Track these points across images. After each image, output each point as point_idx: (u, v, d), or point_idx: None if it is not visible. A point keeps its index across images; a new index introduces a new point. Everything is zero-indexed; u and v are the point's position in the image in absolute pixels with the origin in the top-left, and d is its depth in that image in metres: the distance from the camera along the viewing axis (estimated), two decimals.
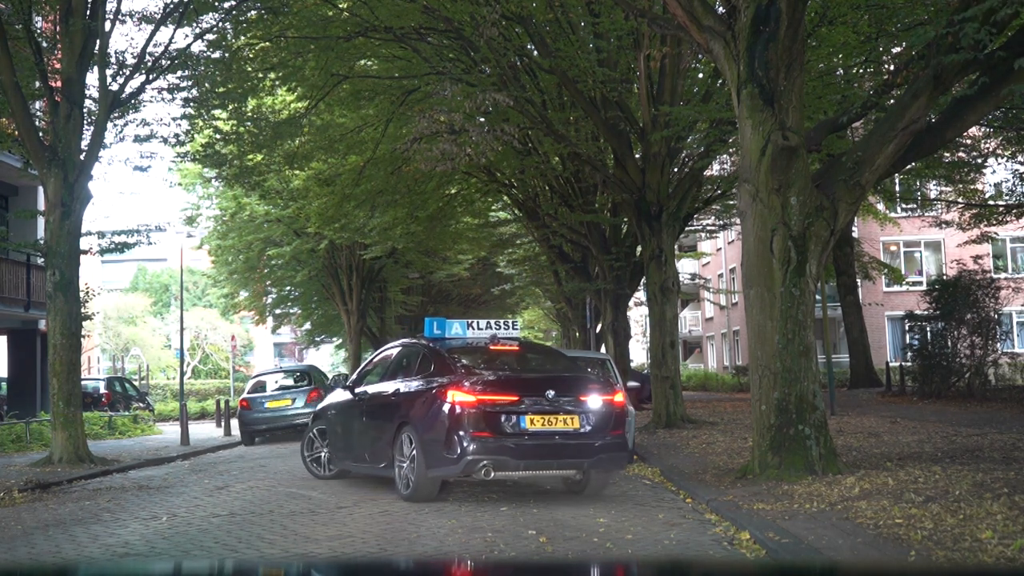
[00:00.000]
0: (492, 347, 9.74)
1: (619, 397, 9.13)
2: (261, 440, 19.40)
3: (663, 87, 15.93)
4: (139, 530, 7.96)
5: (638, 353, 52.02)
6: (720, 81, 14.99)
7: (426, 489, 8.77)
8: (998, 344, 19.89)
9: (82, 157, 13.82)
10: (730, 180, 20.50)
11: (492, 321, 10.28)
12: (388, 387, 9.85)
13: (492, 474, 8.34)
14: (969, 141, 22.50)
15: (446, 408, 8.47)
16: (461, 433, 8.34)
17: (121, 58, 15.05)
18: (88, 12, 13.67)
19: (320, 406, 11.94)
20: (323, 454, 11.22)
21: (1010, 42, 9.32)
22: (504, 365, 9.59)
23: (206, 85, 15.59)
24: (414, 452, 8.78)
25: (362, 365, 11.38)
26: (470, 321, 10.21)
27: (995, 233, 26.91)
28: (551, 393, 8.57)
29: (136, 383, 36.33)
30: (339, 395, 11.10)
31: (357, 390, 10.52)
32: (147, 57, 14.61)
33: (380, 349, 11.38)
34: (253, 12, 15.26)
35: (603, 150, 17.97)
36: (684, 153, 17.70)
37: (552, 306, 39.59)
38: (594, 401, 8.77)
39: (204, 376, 62.09)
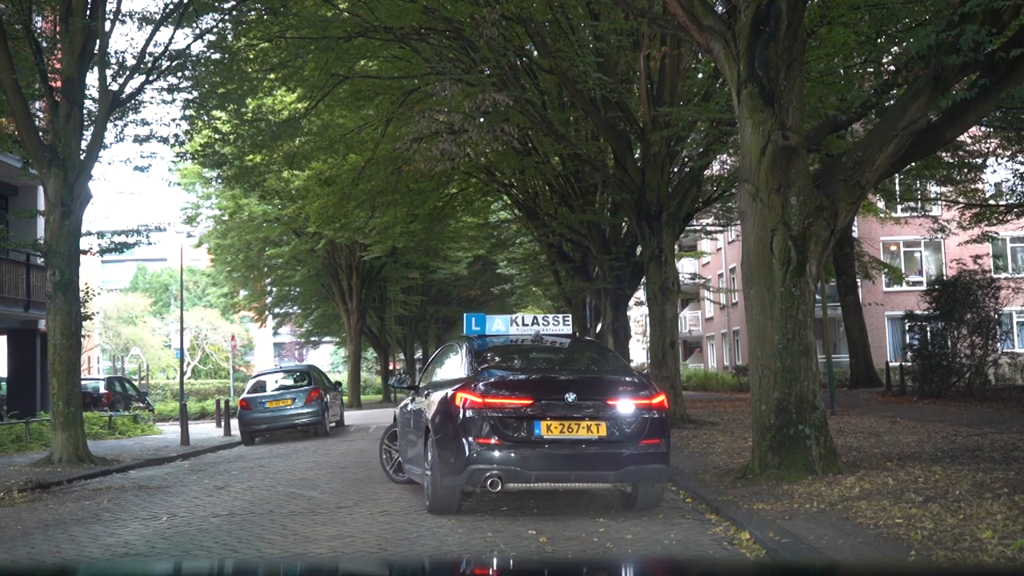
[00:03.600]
0: (529, 345, 8.88)
1: (658, 401, 8.00)
2: (261, 440, 19.40)
3: (663, 87, 15.93)
4: (139, 530, 7.97)
5: (638, 353, 52.05)
6: (720, 81, 14.99)
7: (441, 500, 8.02)
8: (998, 344, 19.89)
9: (82, 157, 13.83)
10: (730, 180, 20.50)
11: (539, 316, 9.37)
12: (426, 389, 9.18)
13: (500, 486, 7.58)
14: (969, 141, 22.50)
15: (454, 412, 7.80)
16: (467, 439, 7.63)
17: (121, 58, 15.07)
18: (88, 12, 13.67)
19: (398, 408, 11.02)
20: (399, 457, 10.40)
21: (1010, 42, 9.32)
22: (532, 365, 8.78)
23: (206, 86, 15.60)
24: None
25: (426, 363, 10.65)
26: (514, 317, 9.38)
27: (995, 233, 26.92)
28: (571, 396, 7.71)
29: (136, 383, 36.32)
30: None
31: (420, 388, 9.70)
32: (147, 57, 14.61)
33: (440, 347, 10.54)
34: (253, 13, 15.27)
35: (603, 150, 17.98)
36: (684, 153, 17.71)
37: (552, 306, 39.61)
38: (624, 405, 7.82)
39: (204, 376, 62.11)
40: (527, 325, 9.21)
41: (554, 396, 7.76)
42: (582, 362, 9.32)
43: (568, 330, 9.30)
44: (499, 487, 7.59)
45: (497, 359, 8.78)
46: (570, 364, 9.14)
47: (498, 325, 9.23)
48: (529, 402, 7.71)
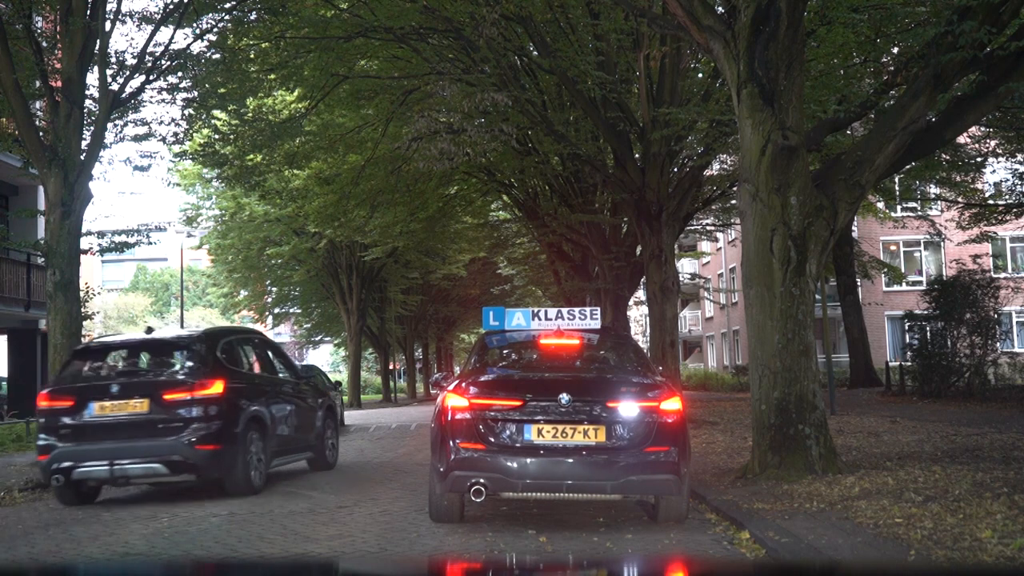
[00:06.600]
0: (541, 341, 8.24)
1: (669, 404, 7.24)
2: None
3: (663, 87, 15.93)
4: (139, 530, 7.97)
5: None
6: (720, 81, 14.99)
7: (437, 506, 7.63)
8: (998, 344, 19.89)
9: (82, 157, 13.82)
10: (730, 180, 20.51)
11: (564, 310, 8.69)
12: None
13: (485, 494, 7.07)
14: (969, 141, 22.49)
15: (443, 414, 7.39)
16: (453, 443, 7.13)
17: (121, 58, 15.06)
18: (88, 12, 13.67)
19: None
20: None
21: (1010, 41, 9.33)
22: (535, 363, 8.26)
23: (206, 86, 15.60)
24: None
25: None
26: (535, 310, 8.71)
27: (994, 233, 26.92)
28: (565, 397, 7.06)
29: None
30: None
31: None
32: (147, 57, 14.61)
33: None
34: (253, 13, 15.27)
35: (603, 150, 17.99)
36: (684, 153, 17.72)
37: (552, 306, 39.61)
38: (628, 408, 7.14)
39: None
40: (549, 319, 8.57)
41: (546, 397, 7.13)
42: (593, 360, 8.65)
43: (596, 324, 8.63)
44: (483, 496, 7.05)
45: (502, 356, 8.53)
46: (578, 362, 8.47)
47: (518, 319, 8.63)
48: (518, 404, 7.11)
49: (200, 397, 9.39)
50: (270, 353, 11.65)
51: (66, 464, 9.30)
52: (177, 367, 10.07)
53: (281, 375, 11.61)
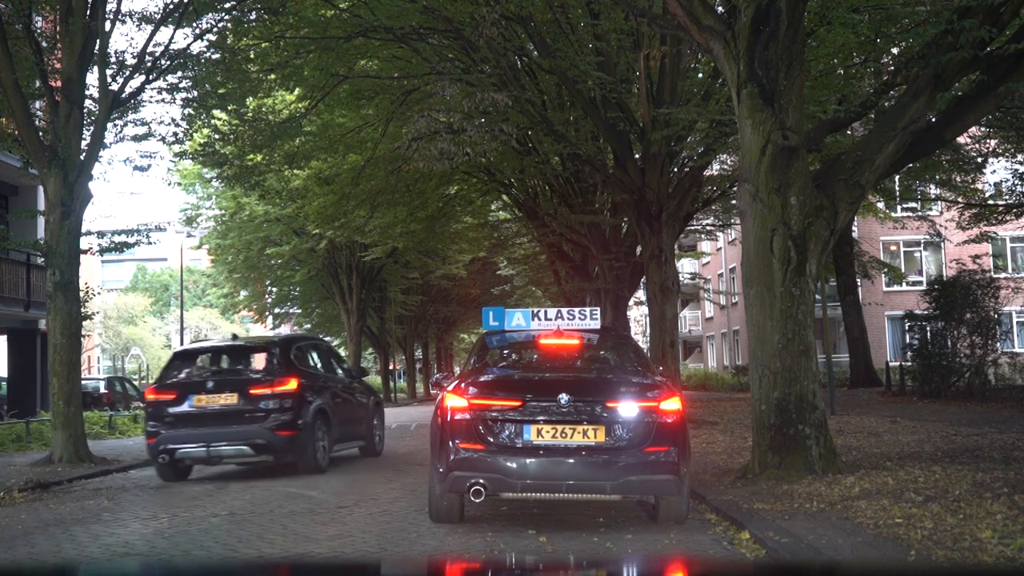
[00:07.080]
0: (541, 341, 8.24)
1: (669, 404, 7.20)
2: None
3: (663, 87, 15.92)
4: (139, 530, 7.97)
5: None
6: (720, 81, 14.98)
7: (437, 506, 7.62)
8: (998, 344, 19.89)
9: (82, 157, 13.82)
10: (730, 180, 20.50)
11: (564, 310, 8.66)
12: None
13: (484, 495, 7.07)
14: (969, 141, 22.49)
15: (442, 415, 7.40)
16: (452, 443, 7.15)
17: (121, 58, 15.05)
18: (88, 12, 13.67)
19: None
20: None
21: (1010, 41, 9.33)
22: (535, 364, 8.30)
23: (206, 86, 15.59)
24: None
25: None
26: (535, 310, 8.70)
27: (994, 233, 26.92)
28: (564, 398, 7.05)
29: (136, 383, 36.32)
30: None
31: None
32: (147, 57, 14.61)
33: None
34: (253, 13, 15.27)
35: (603, 150, 17.99)
36: (684, 153, 17.72)
37: (552, 306, 39.56)
38: (627, 408, 7.11)
39: None
40: (549, 319, 8.54)
41: (546, 397, 7.11)
42: (592, 360, 8.64)
43: (596, 324, 8.61)
44: (482, 496, 7.05)
45: (502, 356, 8.55)
46: (578, 362, 8.46)
47: (518, 320, 8.61)
48: (518, 404, 7.10)
49: (279, 392, 11.30)
50: (331, 358, 13.75)
51: (171, 446, 11.15)
52: (259, 367, 12.04)
53: (339, 375, 13.47)
